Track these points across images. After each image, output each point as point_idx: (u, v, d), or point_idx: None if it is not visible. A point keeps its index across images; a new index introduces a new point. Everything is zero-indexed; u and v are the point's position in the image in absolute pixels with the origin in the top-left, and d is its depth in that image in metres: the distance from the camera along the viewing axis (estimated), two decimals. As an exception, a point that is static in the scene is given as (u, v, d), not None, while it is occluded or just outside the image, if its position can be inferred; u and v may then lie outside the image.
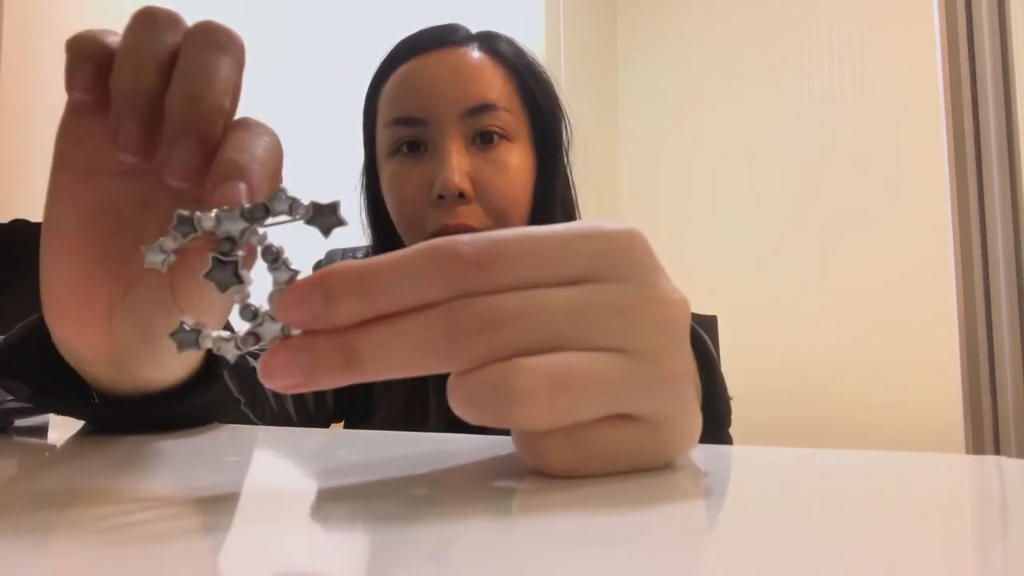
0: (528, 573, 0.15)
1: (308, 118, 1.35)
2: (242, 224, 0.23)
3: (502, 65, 0.65)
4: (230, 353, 0.23)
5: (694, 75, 2.31)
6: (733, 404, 1.00)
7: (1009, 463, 0.25)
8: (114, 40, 0.28)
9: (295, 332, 0.22)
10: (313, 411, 0.67)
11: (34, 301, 0.70)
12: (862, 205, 2.02)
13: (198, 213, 0.23)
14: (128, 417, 0.35)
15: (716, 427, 0.48)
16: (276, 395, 0.62)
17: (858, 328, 1.99)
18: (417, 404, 0.67)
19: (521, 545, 0.17)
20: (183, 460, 0.29)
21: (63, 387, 0.35)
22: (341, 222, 0.23)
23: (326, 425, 0.71)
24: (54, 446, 0.35)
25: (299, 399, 0.65)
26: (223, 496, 0.22)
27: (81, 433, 0.36)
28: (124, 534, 0.18)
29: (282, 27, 1.33)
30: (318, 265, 0.76)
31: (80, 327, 0.31)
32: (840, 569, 0.15)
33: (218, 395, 0.39)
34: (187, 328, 0.23)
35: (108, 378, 0.34)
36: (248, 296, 0.23)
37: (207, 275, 0.23)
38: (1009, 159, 1.86)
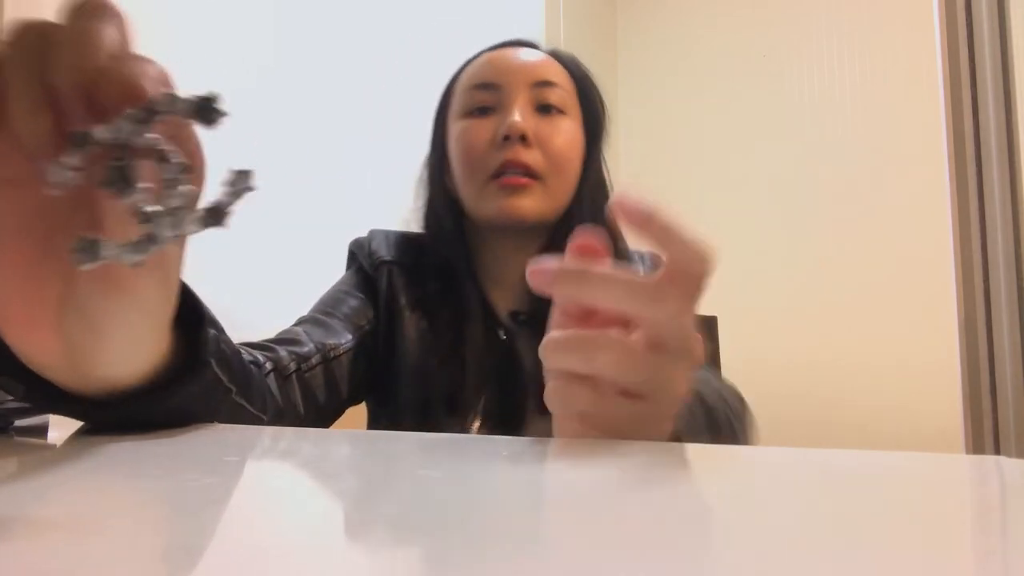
0: (530, 571, 0.15)
1: (308, 115, 1.35)
2: (130, 127, 0.24)
3: (561, 64, 0.76)
4: (129, 259, 0.24)
5: (694, 75, 2.31)
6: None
7: (1009, 463, 0.25)
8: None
9: (191, 231, 0.24)
10: (323, 401, 0.65)
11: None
12: (862, 205, 2.02)
13: (91, 127, 0.24)
14: (122, 415, 0.35)
15: (712, 433, 0.49)
16: (282, 388, 0.60)
17: (858, 329, 1.99)
18: (453, 396, 0.68)
19: (522, 544, 0.17)
20: (184, 460, 0.29)
21: (58, 387, 0.35)
22: (222, 112, 0.25)
23: (335, 416, 0.70)
24: (54, 446, 0.35)
25: (307, 389, 0.63)
26: (223, 496, 0.22)
27: (81, 433, 0.36)
28: (123, 534, 0.18)
29: (282, 25, 1.33)
30: (358, 242, 0.78)
31: (28, 328, 0.32)
32: (840, 568, 0.15)
33: (209, 384, 0.39)
34: (86, 240, 0.23)
35: (75, 383, 0.34)
36: (141, 201, 0.24)
37: (101, 183, 0.24)
38: (1009, 159, 1.86)
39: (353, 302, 0.71)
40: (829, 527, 0.18)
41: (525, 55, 0.74)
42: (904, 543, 0.17)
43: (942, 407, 1.85)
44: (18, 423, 0.41)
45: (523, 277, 0.47)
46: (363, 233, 0.79)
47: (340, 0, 1.44)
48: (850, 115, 2.06)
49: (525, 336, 0.71)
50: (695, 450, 0.29)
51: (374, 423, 0.76)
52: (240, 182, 0.24)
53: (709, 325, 1.25)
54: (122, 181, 0.24)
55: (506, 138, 0.68)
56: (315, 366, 0.64)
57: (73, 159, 0.24)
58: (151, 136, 0.24)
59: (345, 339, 0.68)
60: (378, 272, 0.73)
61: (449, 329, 0.71)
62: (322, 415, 0.66)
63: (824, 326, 2.03)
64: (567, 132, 0.72)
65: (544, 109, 0.72)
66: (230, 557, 0.17)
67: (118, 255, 0.23)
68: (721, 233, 2.41)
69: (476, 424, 0.68)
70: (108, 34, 0.27)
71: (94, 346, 0.32)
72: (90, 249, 0.23)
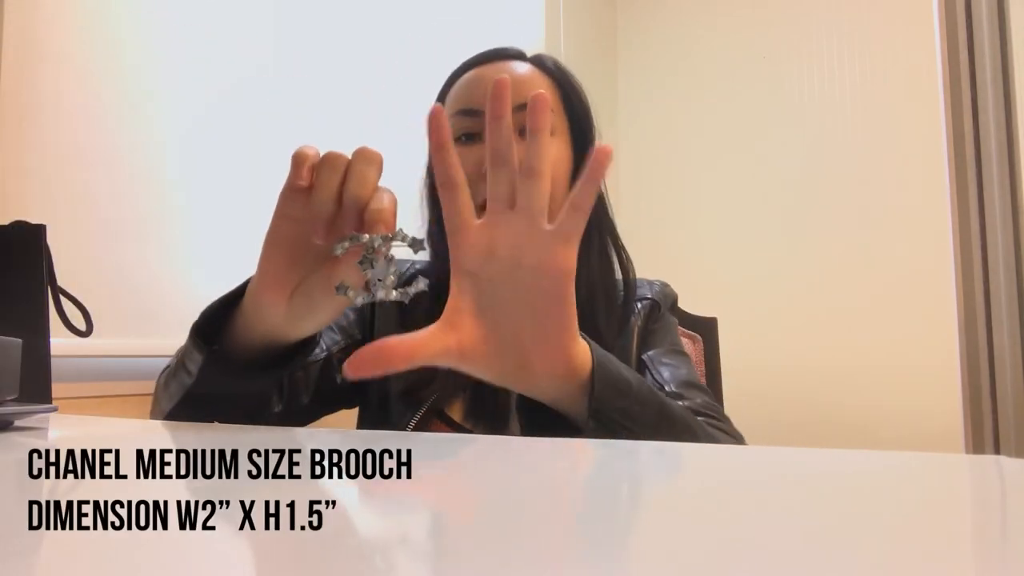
0: (533, 570, 0.15)
1: (307, 115, 1.35)
2: (380, 241, 0.46)
3: (547, 75, 0.78)
4: (354, 298, 0.46)
5: (694, 76, 2.31)
6: (731, 405, 1.01)
7: (1009, 463, 0.25)
8: (312, 169, 0.50)
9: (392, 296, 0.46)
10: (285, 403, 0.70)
11: (34, 302, 0.70)
12: (862, 207, 2.02)
13: (362, 236, 0.46)
14: (275, 370, 0.57)
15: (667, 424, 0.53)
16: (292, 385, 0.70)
17: (858, 329, 1.99)
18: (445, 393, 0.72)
19: (525, 541, 0.17)
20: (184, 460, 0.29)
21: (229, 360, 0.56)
22: (423, 247, 0.49)
23: (307, 417, 0.73)
24: (57, 445, 0.35)
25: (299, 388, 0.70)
26: (221, 498, 0.22)
27: (80, 432, 0.36)
28: (123, 534, 0.18)
29: (282, 24, 1.33)
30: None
31: (275, 295, 0.53)
32: (841, 568, 0.15)
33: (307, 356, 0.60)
34: (343, 285, 0.47)
35: (276, 332, 0.55)
36: (374, 274, 0.46)
37: (359, 263, 0.46)
38: (1009, 161, 1.86)
39: (341, 321, 0.79)
40: (831, 526, 0.18)
41: (507, 71, 0.74)
42: (904, 543, 0.17)
43: (942, 407, 1.85)
44: (18, 423, 0.41)
45: None
46: None
47: (340, 0, 1.44)
48: (850, 115, 2.06)
49: None
50: (698, 450, 0.29)
51: (360, 425, 0.82)
52: (415, 245, 0.48)
53: (709, 326, 1.25)
54: (368, 264, 0.46)
55: None
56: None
57: (348, 243, 0.46)
58: (387, 249, 0.46)
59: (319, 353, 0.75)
60: None
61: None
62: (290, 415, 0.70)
63: (824, 327, 2.03)
64: (553, 156, 0.73)
65: None
66: (226, 556, 0.17)
67: (353, 296, 0.46)
68: (721, 233, 2.40)
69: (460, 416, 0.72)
70: (373, 177, 0.48)
71: (304, 314, 0.54)
72: (342, 288, 0.46)
